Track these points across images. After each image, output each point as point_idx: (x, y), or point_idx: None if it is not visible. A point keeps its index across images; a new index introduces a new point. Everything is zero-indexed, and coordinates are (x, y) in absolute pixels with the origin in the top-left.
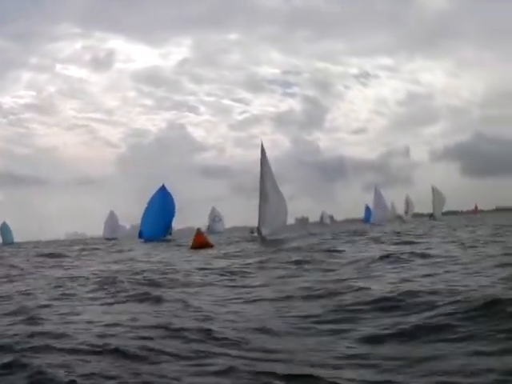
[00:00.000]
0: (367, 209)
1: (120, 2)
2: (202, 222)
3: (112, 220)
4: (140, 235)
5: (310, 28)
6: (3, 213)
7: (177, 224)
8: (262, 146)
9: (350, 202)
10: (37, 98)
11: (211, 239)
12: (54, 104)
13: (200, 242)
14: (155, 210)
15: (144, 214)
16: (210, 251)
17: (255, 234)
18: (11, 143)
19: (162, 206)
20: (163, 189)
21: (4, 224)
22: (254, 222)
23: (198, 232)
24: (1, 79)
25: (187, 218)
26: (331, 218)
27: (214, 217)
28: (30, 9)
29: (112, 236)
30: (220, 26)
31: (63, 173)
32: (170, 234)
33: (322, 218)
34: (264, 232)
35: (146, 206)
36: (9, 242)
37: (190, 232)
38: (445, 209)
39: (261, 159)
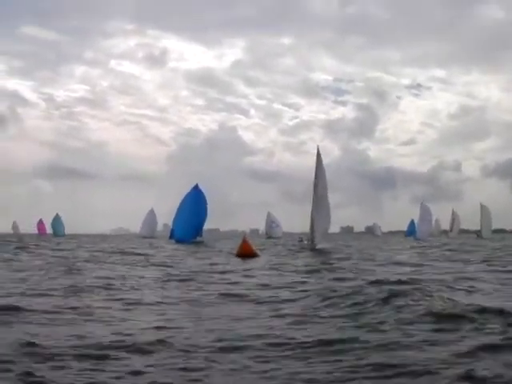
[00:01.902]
0: (411, 223)
1: (174, 0)
2: (246, 225)
3: (151, 218)
4: (171, 235)
5: (363, 35)
6: (53, 204)
7: (221, 226)
8: (318, 151)
9: (394, 214)
10: (90, 92)
11: (269, 243)
12: (106, 99)
13: (246, 251)
14: (187, 211)
15: (176, 214)
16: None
17: (305, 242)
18: (63, 136)
19: (194, 206)
20: (196, 188)
21: (57, 216)
22: (303, 229)
23: (245, 239)
24: (55, 73)
25: (233, 221)
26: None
27: (271, 222)
28: (85, 4)
29: (150, 235)
30: (274, 29)
31: (112, 168)
32: (201, 235)
33: (373, 229)
34: (316, 241)
35: (179, 205)
36: (60, 235)
37: (232, 234)
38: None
39: (316, 165)
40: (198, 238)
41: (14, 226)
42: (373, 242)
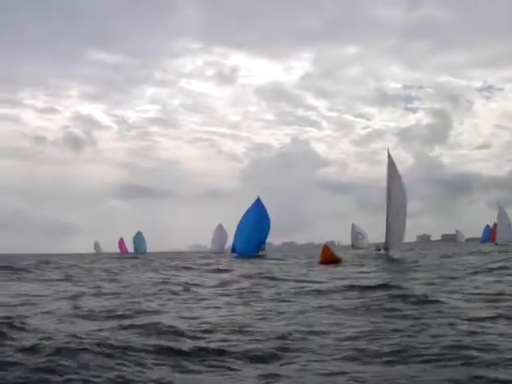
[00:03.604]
0: (487, 228)
1: (238, 17)
2: (322, 237)
3: (220, 234)
4: (233, 249)
5: (429, 39)
6: (129, 223)
7: (297, 239)
8: (389, 156)
9: (472, 221)
10: (161, 111)
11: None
12: (177, 118)
13: (328, 257)
14: (249, 225)
15: (238, 227)
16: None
17: (381, 252)
18: (137, 156)
19: (256, 220)
20: (258, 202)
21: (139, 233)
22: (381, 239)
23: (326, 247)
24: (126, 94)
25: (308, 233)
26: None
27: (357, 234)
28: (151, 26)
29: (219, 251)
30: (339, 39)
31: (186, 185)
32: (264, 249)
33: (456, 236)
34: (391, 250)
35: (241, 219)
36: (142, 252)
37: (308, 248)
38: None
39: (389, 171)
40: (261, 252)
41: (96, 246)
42: (462, 249)
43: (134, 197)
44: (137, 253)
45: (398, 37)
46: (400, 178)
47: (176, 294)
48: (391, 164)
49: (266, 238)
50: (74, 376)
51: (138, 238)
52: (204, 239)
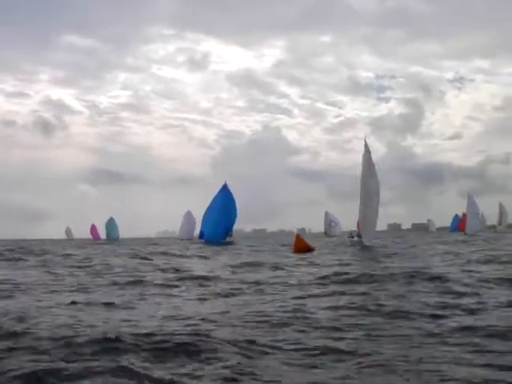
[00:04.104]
0: (455, 218)
1: (212, 4)
2: (293, 224)
3: (189, 220)
4: (201, 236)
5: (403, 29)
6: (99, 209)
7: (268, 226)
8: (366, 144)
9: (442, 210)
10: (132, 97)
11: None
12: (148, 104)
13: (302, 247)
14: (216, 210)
15: (205, 213)
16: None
17: (355, 239)
18: (107, 141)
19: (222, 205)
20: (225, 187)
21: (111, 219)
22: (353, 226)
23: (298, 237)
24: (97, 80)
25: (279, 221)
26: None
27: (330, 222)
28: (124, 12)
29: (187, 237)
30: (312, 27)
31: (156, 171)
32: (231, 235)
33: (428, 225)
34: (365, 238)
35: (209, 205)
36: (114, 238)
37: (281, 235)
38: None
39: (364, 159)
40: (228, 239)
41: (68, 232)
42: (434, 239)
43: (105, 182)
44: (109, 239)
45: (372, 26)
46: (374, 167)
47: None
48: (367, 152)
49: (233, 223)
50: None
51: (111, 224)
52: (174, 225)
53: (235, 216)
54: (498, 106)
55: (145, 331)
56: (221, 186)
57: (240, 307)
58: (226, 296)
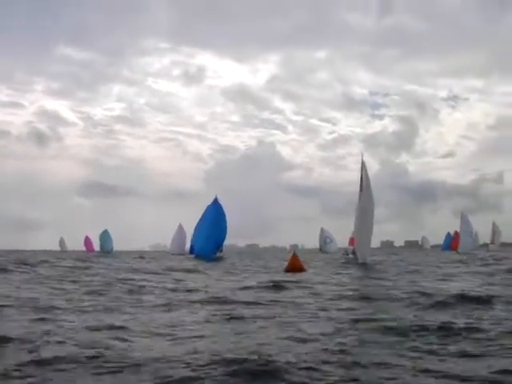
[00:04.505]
0: (447, 236)
1: (207, 18)
2: (286, 240)
3: (180, 235)
4: (191, 251)
5: (398, 47)
6: (93, 221)
7: (261, 242)
8: (362, 161)
9: (435, 228)
10: (126, 109)
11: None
12: (142, 117)
13: (295, 266)
14: (206, 224)
15: (196, 227)
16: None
17: (350, 256)
18: (101, 153)
19: (213, 219)
20: (215, 202)
21: (106, 232)
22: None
23: (294, 255)
24: (92, 91)
25: (272, 236)
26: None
27: (325, 238)
28: (119, 24)
29: (179, 252)
30: (308, 43)
31: (150, 185)
32: (221, 251)
33: (423, 242)
34: (360, 255)
35: (199, 220)
36: (108, 250)
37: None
38: None
39: (362, 175)
40: (218, 254)
41: (62, 243)
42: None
43: (99, 194)
44: (103, 251)
45: (368, 43)
46: (370, 183)
47: None
48: (364, 169)
49: (223, 239)
50: None
51: (105, 237)
52: (165, 239)
53: (225, 229)
54: (492, 125)
55: None
56: (223, 199)
57: None
58: None
